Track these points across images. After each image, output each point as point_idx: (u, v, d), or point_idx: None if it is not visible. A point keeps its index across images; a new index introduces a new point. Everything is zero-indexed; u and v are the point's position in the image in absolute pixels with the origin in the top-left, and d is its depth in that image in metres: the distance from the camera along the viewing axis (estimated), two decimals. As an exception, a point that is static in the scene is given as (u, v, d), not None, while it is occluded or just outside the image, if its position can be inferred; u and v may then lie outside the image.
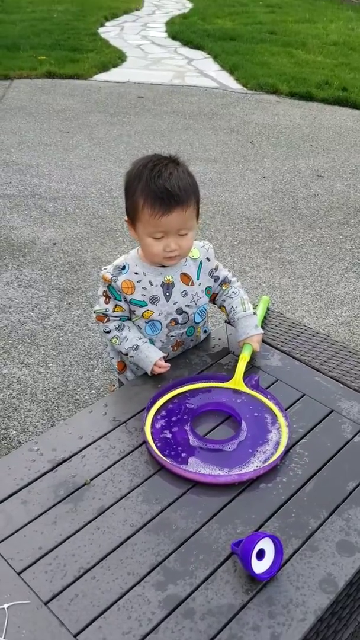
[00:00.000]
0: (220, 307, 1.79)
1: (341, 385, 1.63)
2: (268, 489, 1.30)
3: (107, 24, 9.56)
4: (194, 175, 1.54)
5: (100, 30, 8.99)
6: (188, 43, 8.42)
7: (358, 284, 3.34)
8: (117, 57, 7.52)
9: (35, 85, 6.50)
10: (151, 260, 1.60)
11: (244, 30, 8.81)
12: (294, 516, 1.24)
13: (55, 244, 3.60)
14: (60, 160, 4.76)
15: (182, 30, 8.91)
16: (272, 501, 1.27)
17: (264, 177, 4.61)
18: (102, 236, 3.71)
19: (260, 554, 1.11)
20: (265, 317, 1.95)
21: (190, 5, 11.15)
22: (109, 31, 9.03)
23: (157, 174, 1.45)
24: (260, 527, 1.21)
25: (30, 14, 9.51)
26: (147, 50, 8.16)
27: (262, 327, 1.82)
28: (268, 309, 2.00)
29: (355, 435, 1.45)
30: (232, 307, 1.73)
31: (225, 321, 1.83)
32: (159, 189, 1.44)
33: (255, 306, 1.95)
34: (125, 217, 1.60)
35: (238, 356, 1.67)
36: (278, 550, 1.12)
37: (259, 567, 1.10)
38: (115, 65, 7.30)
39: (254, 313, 1.75)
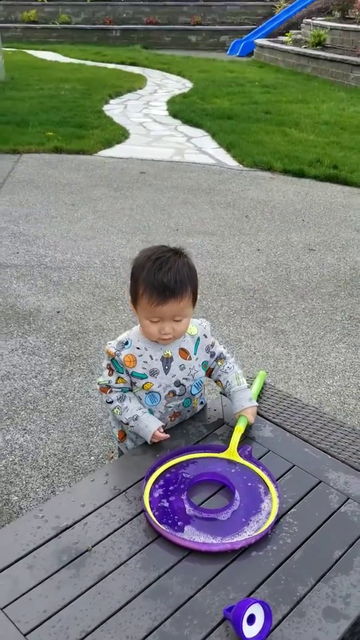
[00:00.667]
0: (216, 381, 1.91)
1: (329, 457, 1.73)
2: (259, 557, 1.38)
3: (111, 101, 10.13)
4: (194, 265, 1.70)
5: (105, 107, 9.52)
6: (188, 121, 8.90)
7: (348, 354, 3.48)
8: (120, 134, 7.94)
9: (42, 160, 6.85)
10: (149, 339, 1.74)
11: (240, 109, 9.33)
12: (283, 583, 1.31)
13: (59, 312, 3.76)
14: (65, 232, 4.99)
15: (182, 109, 9.43)
16: (262, 568, 1.35)
17: (259, 249, 4.83)
18: (104, 305, 3.88)
19: (251, 619, 1.18)
20: (261, 391, 2.07)
21: (190, 85, 11.84)
22: (113, 109, 9.56)
23: (157, 267, 1.61)
24: (251, 593, 1.29)
25: (38, 91, 10.09)
26: (149, 127, 8.62)
27: (257, 400, 1.94)
28: (264, 383, 2.12)
29: (341, 505, 1.54)
30: (228, 381, 1.86)
31: (221, 392, 1.95)
32: (157, 281, 1.60)
33: (250, 378, 2.08)
34: (129, 298, 1.75)
35: (233, 427, 1.77)
36: (267, 615, 1.20)
37: (250, 631, 1.17)
38: (119, 142, 7.70)
39: (248, 387, 1.87)
